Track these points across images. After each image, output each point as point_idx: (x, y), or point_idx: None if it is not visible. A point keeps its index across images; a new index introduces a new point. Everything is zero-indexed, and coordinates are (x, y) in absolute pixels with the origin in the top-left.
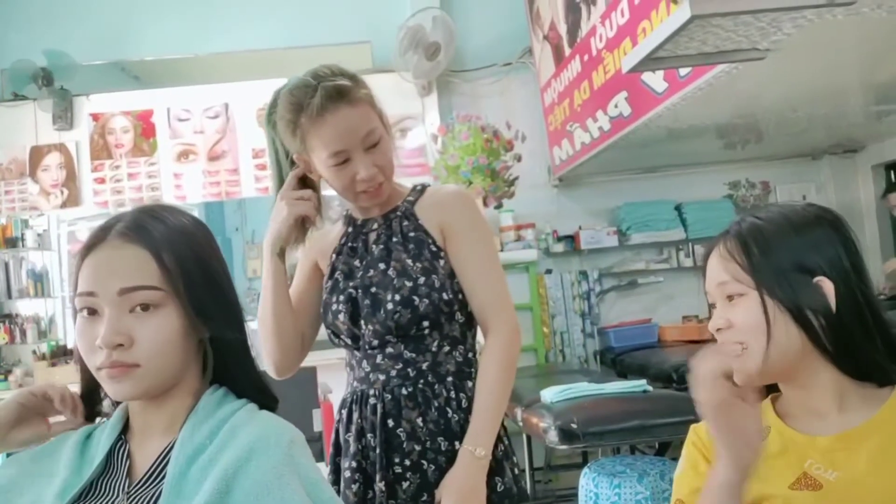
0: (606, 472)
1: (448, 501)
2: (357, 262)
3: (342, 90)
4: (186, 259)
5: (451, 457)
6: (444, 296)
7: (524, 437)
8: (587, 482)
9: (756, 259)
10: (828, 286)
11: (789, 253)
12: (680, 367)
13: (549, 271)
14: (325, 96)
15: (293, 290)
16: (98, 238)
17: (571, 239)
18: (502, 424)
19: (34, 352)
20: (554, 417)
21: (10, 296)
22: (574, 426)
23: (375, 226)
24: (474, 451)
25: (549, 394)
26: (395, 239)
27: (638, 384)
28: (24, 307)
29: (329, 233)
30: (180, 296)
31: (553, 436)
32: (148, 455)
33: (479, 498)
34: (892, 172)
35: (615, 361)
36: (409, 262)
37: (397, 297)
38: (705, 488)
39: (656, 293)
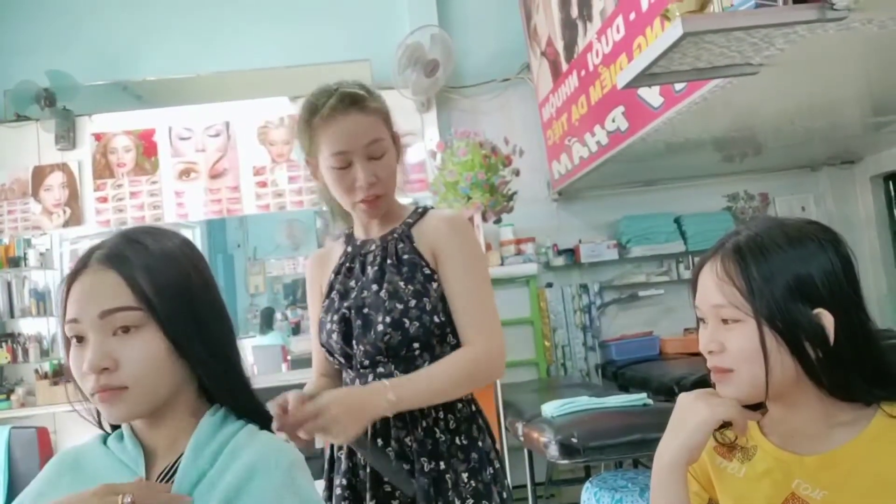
0: (608, 486)
1: (327, 403)
2: (353, 283)
3: (356, 97)
4: (162, 282)
5: (435, 477)
6: (436, 318)
7: (525, 451)
8: (589, 497)
9: (756, 285)
10: (828, 319)
11: (791, 281)
12: (682, 379)
13: (549, 285)
14: (339, 99)
15: (313, 325)
16: (80, 266)
17: (572, 252)
18: (494, 448)
19: (36, 371)
20: (555, 432)
21: (12, 315)
22: (574, 441)
23: (373, 247)
24: (388, 390)
25: (550, 408)
26: (389, 261)
27: (639, 398)
28: (27, 326)
29: (331, 252)
30: (158, 316)
31: (554, 450)
32: (152, 475)
33: (357, 419)
34: (892, 183)
35: (617, 375)
36: (402, 284)
37: (388, 319)
38: (655, 466)
39: (657, 306)
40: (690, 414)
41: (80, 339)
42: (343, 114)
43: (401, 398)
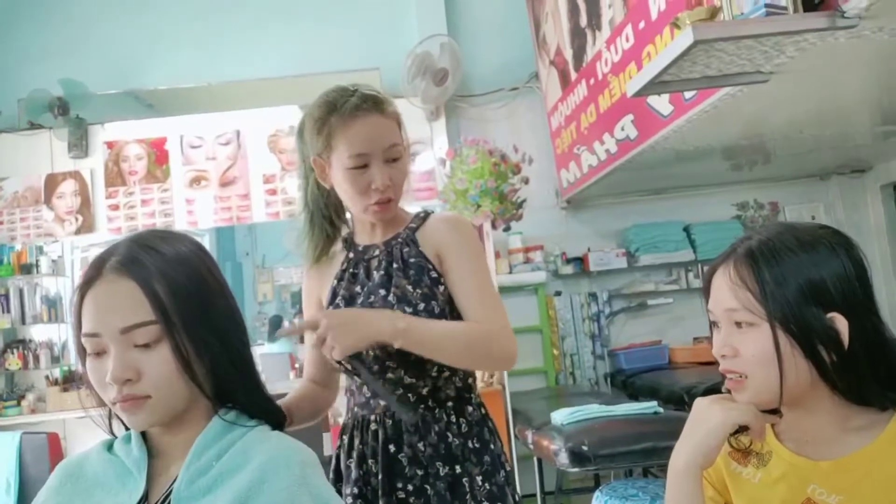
0: (619, 495)
1: (324, 313)
2: (358, 289)
3: (378, 100)
4: (179, 288)
5: (451, 481)
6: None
7: (535, 460)
8: None
9: (770, 288)
10: (842, 323)
11: (804, 285)
12: (691, 388)
13: (558, 293)
14: (362, 99)
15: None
16: (94, 274)
17: (580, 261)
18: (503, 451)
19: (47, 377)
20: (565, 440)
21: (24, 321)
22: (585, 448)
23: (377, 252)
24: (399, 319)
25: (560, 416)
26: (395, 265)
27: (649, 406)
28: (38, 333)
29: (331, 259)
30: (176, 327)
31: (564, 458)
32: (167, 478)
33: (355, 333)
34: None
35: (626, 383)
36: (410, 288)
37: None
38: (669, 471)
39: (666, 315)
40: (706, 418)
41: (98, 350)
42: (365, 114)
43: (409, 330)
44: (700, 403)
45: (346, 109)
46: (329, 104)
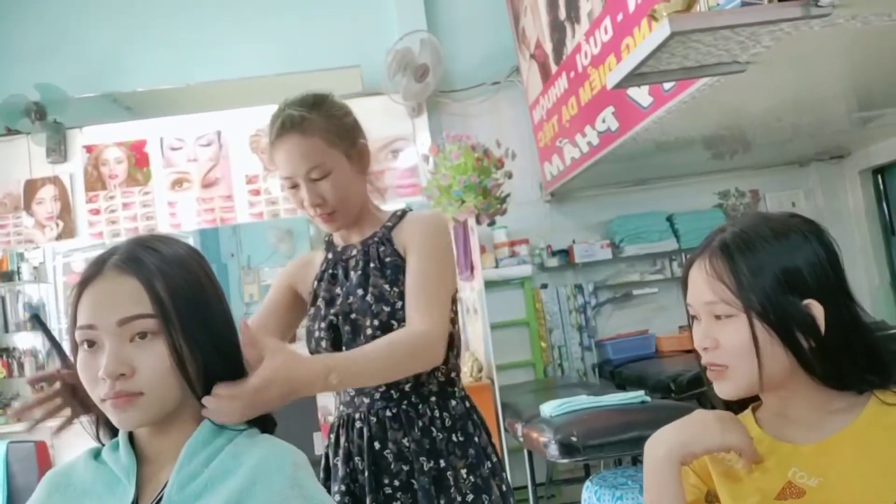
0: (608, 484)
1: (257, 377)
2: (338, 290)
3: (295, 120)
4: (178, 288)
5: (436, 475)
6: None
7: (525, 452)
8: (589, 495)
9: (746, 280)
10: (817, 309)
11: (779, 273)
12: (678, 377)
13: (544, 286)
14: (280, 124)
15: (263, 307)
16: (94, 271)
17: (565, 253)
18: (490, 442)
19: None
20: (554, 431)
21: (6, 330)
22: (574, 439)
23: (355, 252)
24: (331, 373)
25: (549, 408)
26: (372, 264)
27: (636, 395)
28: (21, 341)
29: (313, 258)
30: (173, 324)
31: (553, 450)
32: (157, 484)
33: (286, 399)
34: (880, 177)
35: (613, 374)
36: (387, 287)
37: (376, 323)
38: (649, 455)
39: (652, 304)
40: (702, 430)
41: (93, 343)
42: (286, 138)
43: (341, 381)
44: (703, 414)
45: (273, 134)
46: (268, 125)
